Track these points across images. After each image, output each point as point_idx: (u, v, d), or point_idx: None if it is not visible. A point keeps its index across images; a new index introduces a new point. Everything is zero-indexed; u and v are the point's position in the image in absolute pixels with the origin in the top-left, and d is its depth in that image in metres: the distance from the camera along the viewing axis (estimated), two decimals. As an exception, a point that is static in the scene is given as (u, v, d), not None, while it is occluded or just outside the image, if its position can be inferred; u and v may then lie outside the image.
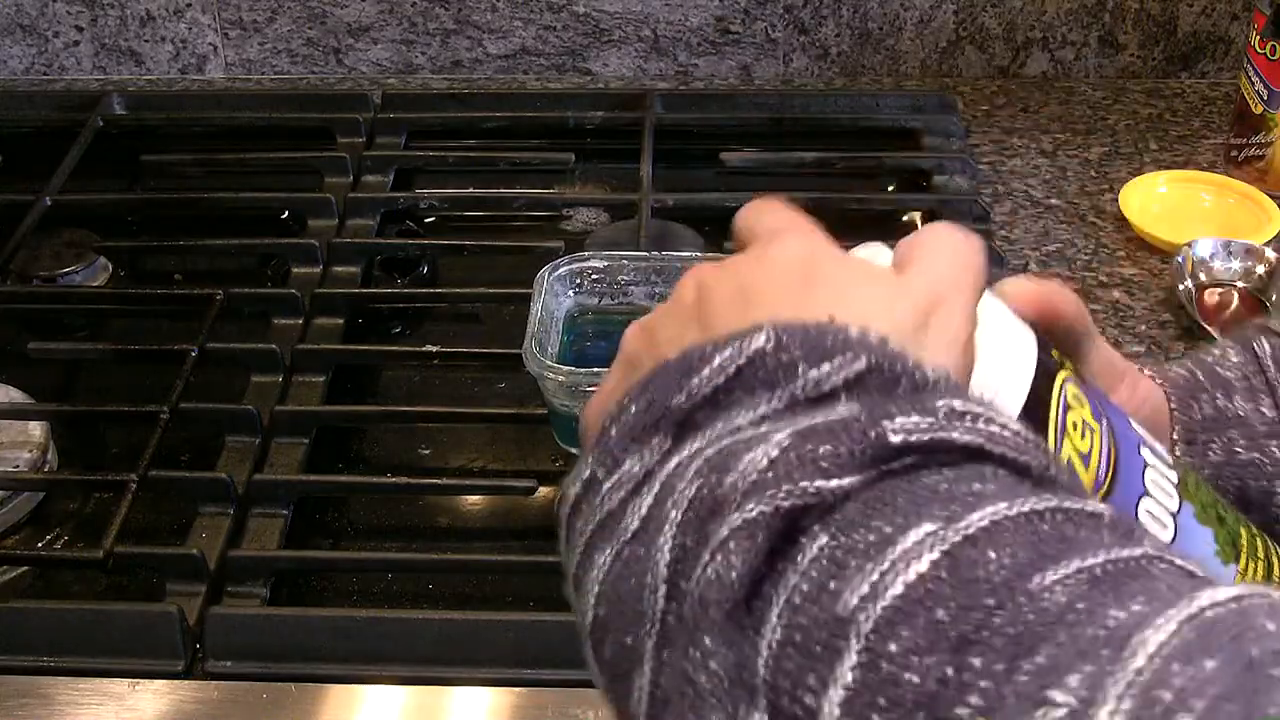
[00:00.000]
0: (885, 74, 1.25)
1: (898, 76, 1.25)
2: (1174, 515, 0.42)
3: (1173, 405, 0.53)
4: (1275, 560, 0.46)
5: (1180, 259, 0.96)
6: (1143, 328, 0.94)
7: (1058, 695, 0.26)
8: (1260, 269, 0.96)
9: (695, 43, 1.24)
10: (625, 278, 0.88)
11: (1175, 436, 0.52)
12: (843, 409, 0.34)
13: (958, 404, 0.34)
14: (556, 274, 0.86)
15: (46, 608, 0.74)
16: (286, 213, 1.06)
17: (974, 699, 0.27)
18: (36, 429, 0.84)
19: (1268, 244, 0.98)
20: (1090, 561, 0.29)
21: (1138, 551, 0.30)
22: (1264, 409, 0.52)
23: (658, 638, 0.33)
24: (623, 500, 0.35)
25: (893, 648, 0.28)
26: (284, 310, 0.95)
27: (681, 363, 0.36)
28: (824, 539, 0.31)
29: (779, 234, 0.40)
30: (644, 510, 0.34)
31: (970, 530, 0.30)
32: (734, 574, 0.31)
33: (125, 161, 1.13)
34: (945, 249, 0.39)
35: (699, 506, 0.33)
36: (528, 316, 0.82)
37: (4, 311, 1.00)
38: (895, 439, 0.32)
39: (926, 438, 0.32)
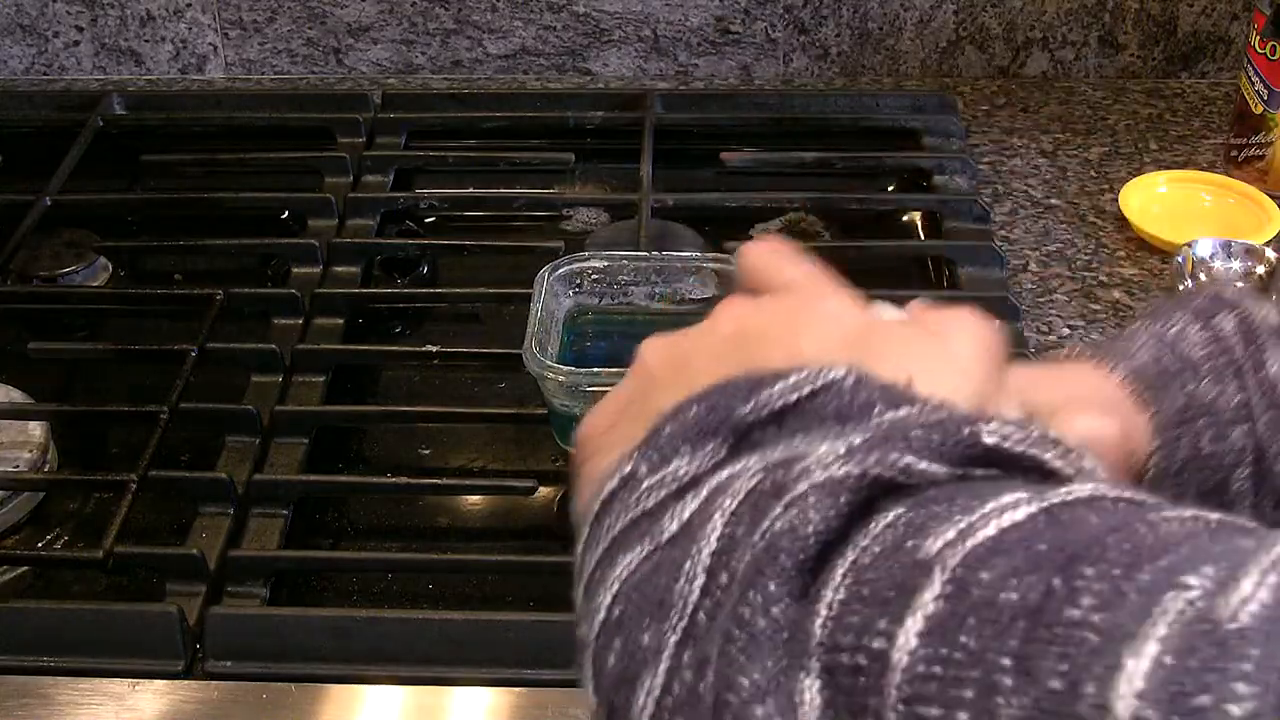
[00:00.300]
0: (885, 74, 1.25)
1: (898, 76, 1.25)
2: None
3: (1153, 408, 0.51)
4: None
5: (1180, 259, 0.96)
6: (1143, 328, 0.94)
7: (1191, 579, 0.24)
8: (1260, 269, 0.96)
9: (695, 43, 1.24)
10: (625, 278, 0.88)
11: (1155, 443, 0.50)
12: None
13: (1053, 435, 0.33)
14: (556, 274, 0.86)
15: (46, 608, 0.74)
16: (286, 213, 1.06)
17: (1086, 600, 0.24)
18: (36, 429, 0.84)
19: (1268, 244, 0.98)
20: (1204, 515, 0.27)
21: (1252, 525, 0.28)
22: (1229, 391, 0.50)
23: (682, 634, 0.31)
24: (662, 501, 0.33)
25: (985, 575, 0.26)
26: (284, 310, 0.95)
27: (750, 377, 0.34)
28: (903, 508, 0.29)
29: (808, 288, 0.39)
30: (686, 515, 0.32)
31: (1069, 498, 0.28)
32: (803, 531, 0.29)
33: (125, 161, 1.13)
34: (979, 339, 0.38)
35: (756, 497, 0.31)
36: (528, 316, 0.82)
37: (4, 311, 1.00)
38: (989, 440, 0.31)
39: (1019, 449, 0.31)
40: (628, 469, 0.34)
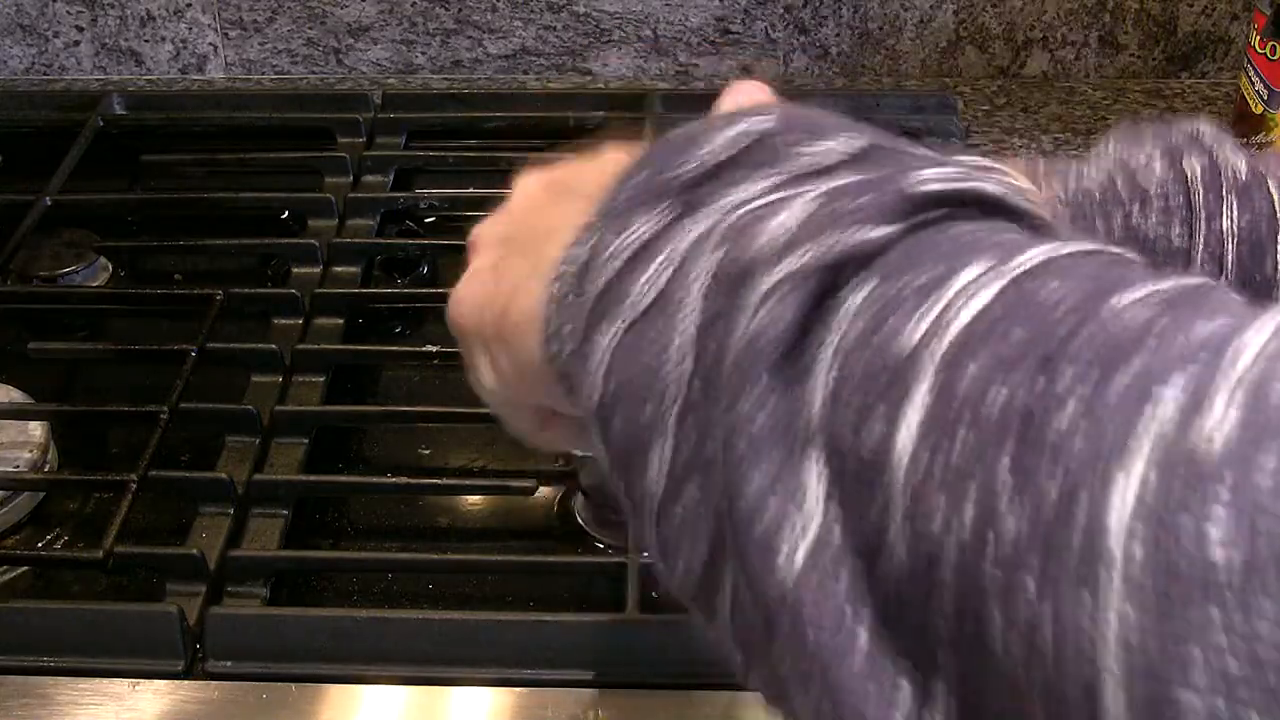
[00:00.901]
0: (885, 74, 1.25)
1: (898, 76, 1.25)
2: None
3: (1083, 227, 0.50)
4: None
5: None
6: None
7: (1164, 391, 0.25)
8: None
9: (695, 43, 1.24)
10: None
11: None
12: (851, 175, 0.33)
13: (979, 159, 0.34)
14: (556, 274, 0.86)
15: (46, 608, 0.74)
16: (286, 213, 1.06)
17: (1071, 406, 0.25)
18: (36, 429, 0.84)
19: (1268, 244, 0.98)
20: (1160, 285, 0.28)
21: (1198, 280, 0.29)
22: (1173, 235, 0.49)
23: (682, 404, 0.32)
24: (629, 264, 0.34)
25: (971, 369, 0.27)
26: (284, 310, 0.95)
27: (684, 138, 0.36)
28: (872, 284, 0.30)
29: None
30: (661, 283, 0.33)
31: (1028, 265, 0.29)
32: (780, 326, 0.30)
33: (125, 161, 1.13)
34: None
35: (727, 271, 0.32)
36: (528, 316, 0.82)
37: (4, 311, 1.00)
38: (928, 188, 0.32)
39: (957, 186, 0.32)
40: (594, 239, 0.36)
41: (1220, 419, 0.24)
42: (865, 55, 1.24)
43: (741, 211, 0.33)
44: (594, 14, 1.23)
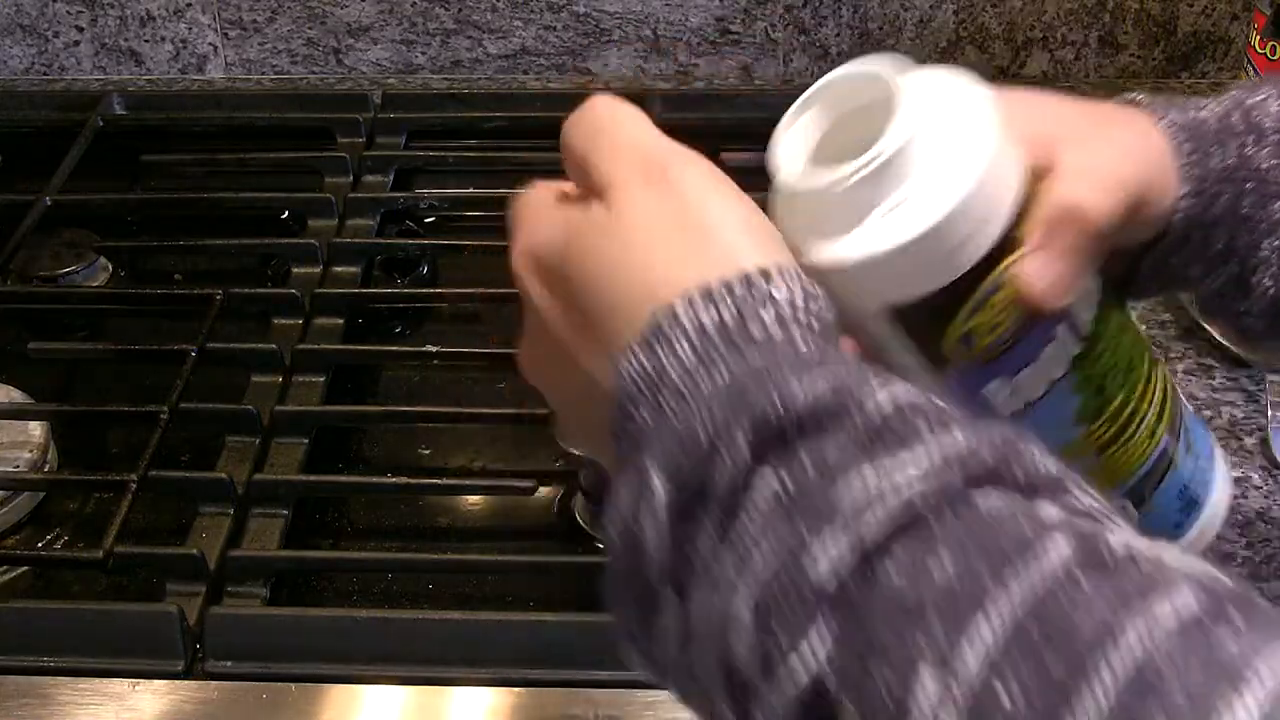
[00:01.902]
0: (885, 74, 1.25)
1: (898, 76, 1.25)
2: (1053, 381, 0.46)
3: (1189, 154, 0.51)
4: (1136, 425, 0.49)
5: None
6: (1143, 327, 0.94)
7: None
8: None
9: (695, 43, 1.24)
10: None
11: (1184, 190, 0.50)
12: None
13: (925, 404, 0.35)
14: (556, 274, 0.86)
15: (46, 608, 0.74)
16: (286, 213, 1.06)
17: None
18: (36, 429, 0.84)
19: (1268, 244, 0.98)
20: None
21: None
22: None
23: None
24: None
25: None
26: (284, 310, 0.95)
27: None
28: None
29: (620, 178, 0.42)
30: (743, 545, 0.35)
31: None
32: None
33: (125, 161, 1.13)
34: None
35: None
36: (528, 316, 0.82)
37: (4, 311, 1.00)
38: (872, 535, 0.33)
39: (888, 529, 0.33)
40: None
41: None
42: (865, 55, 1.24)
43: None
44: (594, 14, 1.23)
